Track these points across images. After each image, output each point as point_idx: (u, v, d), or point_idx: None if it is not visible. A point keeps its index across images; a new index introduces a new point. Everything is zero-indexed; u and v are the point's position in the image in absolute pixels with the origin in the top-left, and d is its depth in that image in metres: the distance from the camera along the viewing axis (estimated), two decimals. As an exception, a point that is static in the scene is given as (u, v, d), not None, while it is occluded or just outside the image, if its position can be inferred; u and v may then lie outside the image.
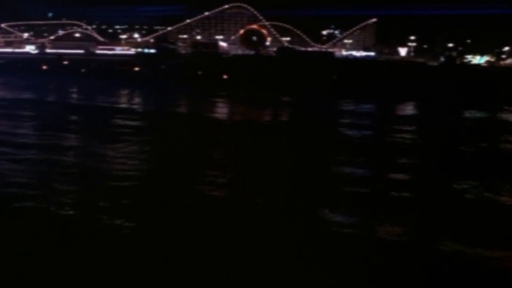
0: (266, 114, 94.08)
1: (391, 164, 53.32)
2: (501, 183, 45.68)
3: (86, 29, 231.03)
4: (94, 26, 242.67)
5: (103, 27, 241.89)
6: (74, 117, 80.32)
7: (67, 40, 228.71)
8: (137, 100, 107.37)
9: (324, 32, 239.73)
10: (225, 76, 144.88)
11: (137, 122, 74.86)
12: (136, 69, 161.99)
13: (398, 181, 45.52)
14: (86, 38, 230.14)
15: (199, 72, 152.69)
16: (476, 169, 51.99)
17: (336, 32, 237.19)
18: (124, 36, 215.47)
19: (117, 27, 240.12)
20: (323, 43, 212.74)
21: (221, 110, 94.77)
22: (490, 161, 56.70)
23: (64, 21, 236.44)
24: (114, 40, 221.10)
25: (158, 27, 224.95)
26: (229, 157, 54.65)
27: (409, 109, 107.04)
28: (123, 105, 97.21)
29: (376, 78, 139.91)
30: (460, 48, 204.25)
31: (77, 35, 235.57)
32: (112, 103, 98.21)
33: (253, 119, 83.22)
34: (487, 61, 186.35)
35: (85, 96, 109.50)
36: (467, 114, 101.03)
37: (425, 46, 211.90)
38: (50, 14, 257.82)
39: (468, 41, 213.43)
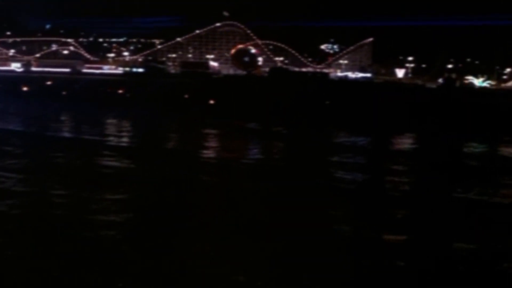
0: (254, 151, 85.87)
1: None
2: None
3: (75, 45, 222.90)
4: (91, 39, 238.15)
5: (100, 39, 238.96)
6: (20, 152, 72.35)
7: (55, 58, 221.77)
8: (110, 131, 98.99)
9: (323, 47, 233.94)
10: (211, 102, 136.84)
11: (108, 162, 67.01)
12: (120, 91, 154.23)
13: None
14: (74, 55, 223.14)
15: (186, 96, 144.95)
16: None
17: (335, 47, 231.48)
18: (112, 54, 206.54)
19: (114, 40, 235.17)
20: (318, 62, 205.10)
21: (207, 145, 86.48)
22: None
23: (50, 37, 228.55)
24: (104, 57, 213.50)
25: (156, 40, 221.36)
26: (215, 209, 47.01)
27: (405, 143, 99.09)
28: (92, 138, 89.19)
29: (371, 104, 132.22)
30: (460, 65, 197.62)
31: (65, 52, 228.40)
32: (81, 136, 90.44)
33: (240, 158, 75.06)
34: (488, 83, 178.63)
35: (53, 126, 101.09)
36: (469, 148, 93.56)
37: (424, 65, 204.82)
38: (48, 26, 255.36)
39: (468, 59, 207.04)
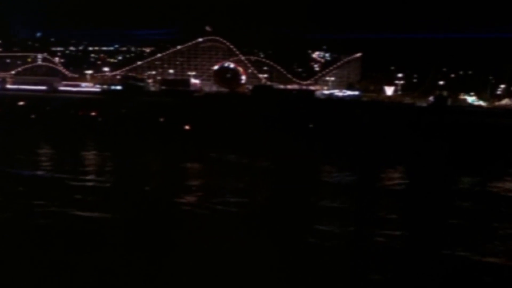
0: (230, 198, 75.80)
1: None
2: None
3: (53, 61, 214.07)
4: (80, 47, 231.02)
5: (90, 48, 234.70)
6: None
7: (31, 74, 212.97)
8: (69, 167, 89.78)
9: (314, 55, 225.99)
10: (187, 127, 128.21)
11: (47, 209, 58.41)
12: (93, 113, 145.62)
13: None
14: (52, 71, 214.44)
15: (161, 119, 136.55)
16: None
17: (327, 55, 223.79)
18: (90, 71, 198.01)
19: (104, 48, 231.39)
20: (305, 78, 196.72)
21: (184, 188, 76.93)
22: None
23: (28, 53, 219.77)
24: (82, 74, 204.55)
25: (147, 49, 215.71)
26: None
27: (393, 178, 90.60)
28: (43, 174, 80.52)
29: (357, 128, 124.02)
30: (452, 81, 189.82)
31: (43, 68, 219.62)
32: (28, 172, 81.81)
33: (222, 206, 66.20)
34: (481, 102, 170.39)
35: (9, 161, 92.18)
36: (463, 183, 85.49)
37: (415, 80, 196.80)
38: (38, 34, 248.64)
39: (461, 73, 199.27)
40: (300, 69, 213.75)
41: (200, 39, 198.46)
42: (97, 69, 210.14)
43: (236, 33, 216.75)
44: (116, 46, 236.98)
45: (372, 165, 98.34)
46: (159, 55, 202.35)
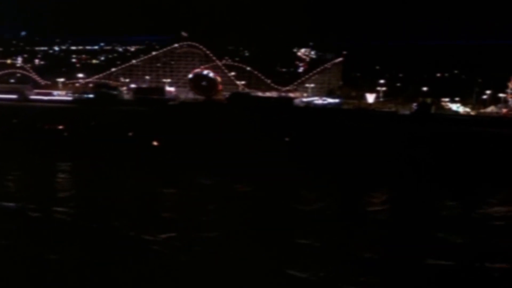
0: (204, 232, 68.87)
1: None
2: None
3: (25, 67, 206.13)
4: (63, 47, 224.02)
5: (73, 48, 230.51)
6: None
7: (2, 82, 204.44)
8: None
9: (299, 53, 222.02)
10: (155, 143, 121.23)
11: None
12: (60, 127, 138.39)
13: None
14: (24, 79, 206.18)
15: (130, 134, 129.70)
16: None
17: (312, 53, 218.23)
18: (62, 79, 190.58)
19: (88, 47, 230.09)
20: (285, 83, 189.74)
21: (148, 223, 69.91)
22: None
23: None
24: (55, 82, 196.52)
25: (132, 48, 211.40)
26: None
27: (372, 204, 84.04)
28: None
29: (336, 142, 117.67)
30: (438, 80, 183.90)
31: (18, 74, 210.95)
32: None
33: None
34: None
35: None
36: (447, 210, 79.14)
37: (398, 84, 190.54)
38: (23, 33, 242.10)
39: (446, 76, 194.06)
40: (282, 71, 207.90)
41: (176, 45, 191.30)
42: (75, 73, 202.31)
43: (213, 37, 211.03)
44: (101, 44, 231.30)
45: (348, 187, 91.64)
46: (133, 61, 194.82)
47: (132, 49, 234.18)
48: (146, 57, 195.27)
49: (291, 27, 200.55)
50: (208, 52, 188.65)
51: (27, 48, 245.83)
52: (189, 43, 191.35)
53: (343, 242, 63.27)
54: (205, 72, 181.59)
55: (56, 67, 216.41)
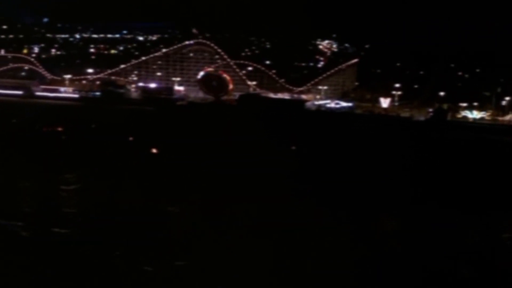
0: None
1: None
2: None
3: (32, 61, 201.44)
4: (85, 35, 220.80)
5: (96, 36, 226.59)
6: None
7: (11, 77, 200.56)
8: None
9: (321, 46, 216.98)
10: (154, 151, 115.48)
11: None
12: (60, 129, 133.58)
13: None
14: (33, 73, 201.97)
15: (130, 139, 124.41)
16: None
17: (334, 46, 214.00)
18: (69, 76, 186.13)
19: (110, 36, 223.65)
20: (299, 84, 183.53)
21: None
22: None
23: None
24: (61, 79, 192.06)
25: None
26: None
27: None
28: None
29: (346, 154, 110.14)
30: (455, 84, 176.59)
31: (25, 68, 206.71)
32: None
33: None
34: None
35: None
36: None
37: (416, 86, 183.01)
38: (45, 20, 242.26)
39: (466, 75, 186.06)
40: (300, 66, 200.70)
41: (187, 42, 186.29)
42: (89, 66, 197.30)
43: (225, 35, 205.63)
44: (124, 32, 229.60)
45: (357, 212, 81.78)
46: (143, 58, 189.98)
47: (154, 37, 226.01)
48: (155, 54, 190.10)
49: (311, 18, 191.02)
50: (219, 50, 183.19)
51: (49, 35, 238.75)
52: (200, 40, 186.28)
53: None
54: (215, 71, 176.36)
55: (70, 59, 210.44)
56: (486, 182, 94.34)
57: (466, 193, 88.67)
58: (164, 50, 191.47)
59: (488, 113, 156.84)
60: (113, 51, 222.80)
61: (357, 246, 65.59)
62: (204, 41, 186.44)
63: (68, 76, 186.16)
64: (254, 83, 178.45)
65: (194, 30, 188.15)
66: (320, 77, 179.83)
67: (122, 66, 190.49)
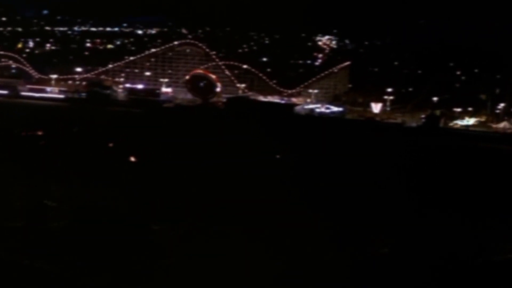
0: None
1: None
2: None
3: (19, 59, 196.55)
4: (83, 28, 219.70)
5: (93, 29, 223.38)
6: None
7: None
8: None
9: (320, 42, 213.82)
10: (132, 159, 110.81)
11: None
12: (39, 133, 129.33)
13: None
14: (20, 72, 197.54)
15: (110, 144, 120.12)
16: None
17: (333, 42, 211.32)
18: (55, 76, 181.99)
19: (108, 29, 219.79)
20: (291, 87, 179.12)
21: None
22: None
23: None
24: (48, 78, 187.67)
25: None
26: None
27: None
28: None
29: (333, 164, 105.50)
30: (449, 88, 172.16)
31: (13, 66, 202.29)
32: None
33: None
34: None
35: None
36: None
37: (410, 89, 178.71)
38: (45, 11, 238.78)
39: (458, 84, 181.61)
40: (294, 66, 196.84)
41: (176, 42, 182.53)
42: (80, 64, 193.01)
43: (219, 34, 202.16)
44: (124, 25, 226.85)
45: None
46: (131, 57, 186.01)
47: (153, 31, 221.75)
48: (143, 54, 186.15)
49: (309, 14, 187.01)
50: (208, 50, 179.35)
51: (47, 28, 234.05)
52: (189, 41, 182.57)
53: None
54: (204, 72, 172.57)
55: (63, 55, 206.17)
56: (476, 191, 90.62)
57: (457, 201, 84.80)
58: (153, 50, 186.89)
59: (482, 119, 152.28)
60: (109, 46, 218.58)
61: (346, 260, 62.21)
62: (193, 41, 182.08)
63: (55, 76, 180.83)
64: (243, 85, 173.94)
65: (184, 30, 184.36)
66: (313, 79, 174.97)
67: (110, 66, 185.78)
